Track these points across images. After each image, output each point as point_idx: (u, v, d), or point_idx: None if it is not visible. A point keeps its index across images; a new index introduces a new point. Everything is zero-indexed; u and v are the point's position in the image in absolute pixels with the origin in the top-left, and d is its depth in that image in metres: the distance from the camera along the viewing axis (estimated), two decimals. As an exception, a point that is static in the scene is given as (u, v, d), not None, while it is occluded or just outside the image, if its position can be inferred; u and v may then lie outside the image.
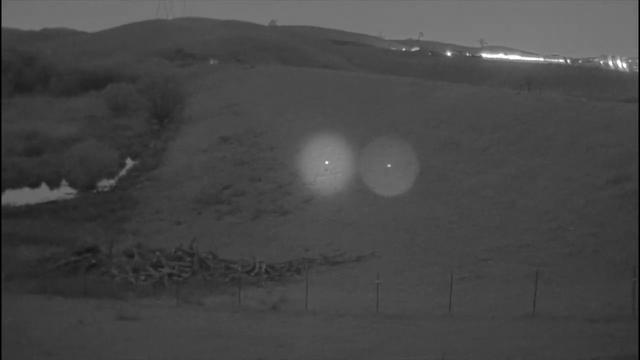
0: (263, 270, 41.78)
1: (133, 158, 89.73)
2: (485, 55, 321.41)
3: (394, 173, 58.66)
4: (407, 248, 43.70)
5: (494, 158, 56.67)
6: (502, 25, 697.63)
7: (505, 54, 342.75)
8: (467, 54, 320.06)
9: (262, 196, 62.58)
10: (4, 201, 65.51)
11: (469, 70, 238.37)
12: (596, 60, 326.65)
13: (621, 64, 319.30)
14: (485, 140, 60.93)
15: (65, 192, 72.40)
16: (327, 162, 66.75)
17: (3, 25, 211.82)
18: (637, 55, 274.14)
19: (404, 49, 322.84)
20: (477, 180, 52.98)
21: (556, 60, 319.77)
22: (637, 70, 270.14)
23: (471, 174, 54.70)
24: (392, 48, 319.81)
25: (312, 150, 70.67)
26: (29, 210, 61.30)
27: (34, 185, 75.62)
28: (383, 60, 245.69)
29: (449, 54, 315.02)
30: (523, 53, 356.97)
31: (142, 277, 39.76)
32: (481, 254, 39.42)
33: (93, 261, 41.95)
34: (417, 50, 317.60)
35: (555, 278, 33.17)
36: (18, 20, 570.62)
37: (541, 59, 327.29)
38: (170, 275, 40.11)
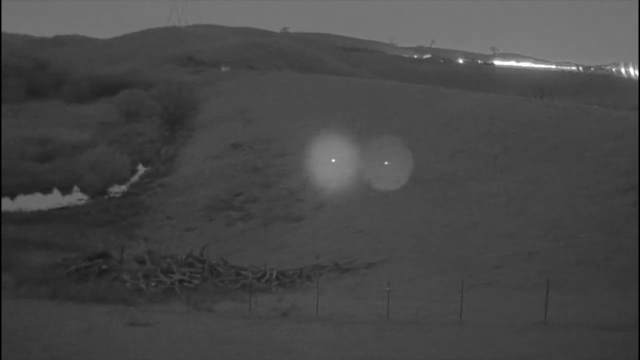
0: (274, 276, 41.72)
1: (145, 164, 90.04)
2: (497, 62, 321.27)
3: (405, 180, 58.56)
4: (418, 255, 43.60)
5: (505, 165, 56.58)
6: (514, 33, 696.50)
7: (517, 61, 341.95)
8: (479, 61, 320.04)
9: (273, 203, 62.61)
10: (16, 207, 65.82)
11: (480, 77, 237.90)
12: (608, 67, 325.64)
13: (634, 72, 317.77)
14: (497, 147, 60.83)
15: (77, 197, 72.71)
16: (333, 160, 66.83)
17: (16, 31, 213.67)
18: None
19: (415, 56, 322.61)
20: (488, 187, 52.89)
21: (568, 68, 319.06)
22: None
23: (482, 181, 54.61)
24: (404, 55, 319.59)
25: (324, 157, 70.66)
26: (41, 216, 61.62)
27: (46, 190, 75.92)
28: (395, 67, 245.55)
29: (460, 61, 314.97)
30: (535, 60, 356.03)
31: (153, 283, 39.77)
32: (492, 261, 39.31)
33: (104, 267, 41.96)
34: (429, 57, 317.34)
35: (566, 286, 33.05)
36: (31, 26, 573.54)
37: (553, 67, 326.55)
38: (181, 281, 40.10)
